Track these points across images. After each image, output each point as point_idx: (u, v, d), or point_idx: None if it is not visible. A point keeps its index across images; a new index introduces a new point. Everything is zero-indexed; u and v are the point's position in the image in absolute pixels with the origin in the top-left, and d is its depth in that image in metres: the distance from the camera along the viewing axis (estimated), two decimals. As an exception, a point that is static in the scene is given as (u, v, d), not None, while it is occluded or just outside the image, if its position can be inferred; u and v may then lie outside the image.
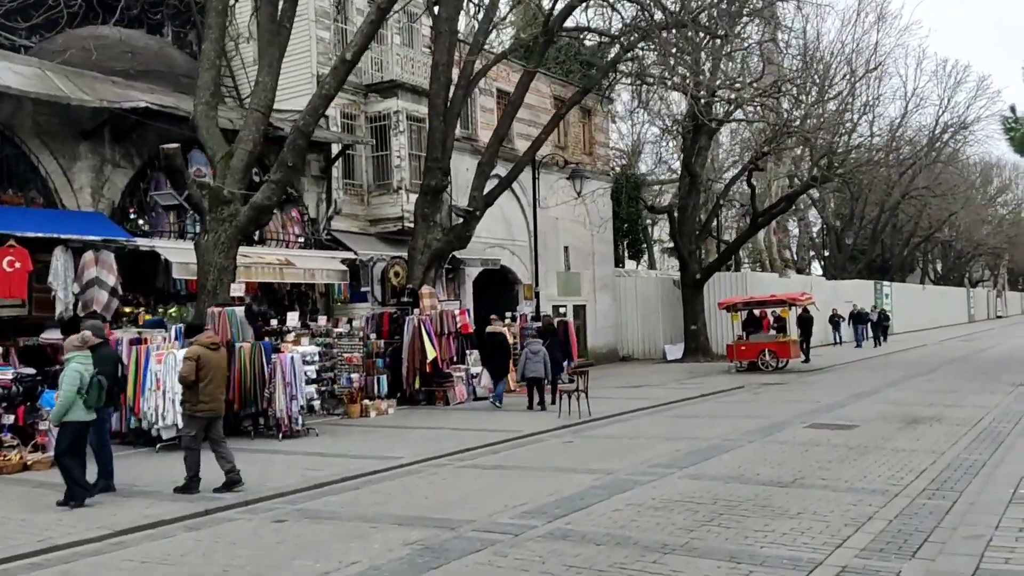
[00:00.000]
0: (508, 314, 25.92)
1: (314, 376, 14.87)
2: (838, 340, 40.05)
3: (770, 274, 41.49)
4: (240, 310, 15.21)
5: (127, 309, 17.02)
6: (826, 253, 59.97)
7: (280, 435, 14.24)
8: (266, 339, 15.45)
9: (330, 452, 12.82)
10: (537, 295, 27.04)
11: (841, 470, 10.37)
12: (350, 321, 21.12)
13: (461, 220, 21.23)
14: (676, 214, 35.29)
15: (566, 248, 33.69)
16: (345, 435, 14.80)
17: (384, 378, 18.86)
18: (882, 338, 40.91)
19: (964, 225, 66.25)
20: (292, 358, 14.26)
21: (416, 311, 19.99)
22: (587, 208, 34.36)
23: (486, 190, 22.31)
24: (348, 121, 24.15)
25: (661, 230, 52.66)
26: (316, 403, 14.93)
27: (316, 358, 14.99)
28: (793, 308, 29.46)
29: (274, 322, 16.48)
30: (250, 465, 10.79)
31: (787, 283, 38.27)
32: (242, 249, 19.55)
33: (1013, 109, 19.08)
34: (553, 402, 18.69)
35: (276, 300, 20.90)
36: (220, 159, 16.33)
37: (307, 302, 21.83)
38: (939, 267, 76.96)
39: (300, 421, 14.35)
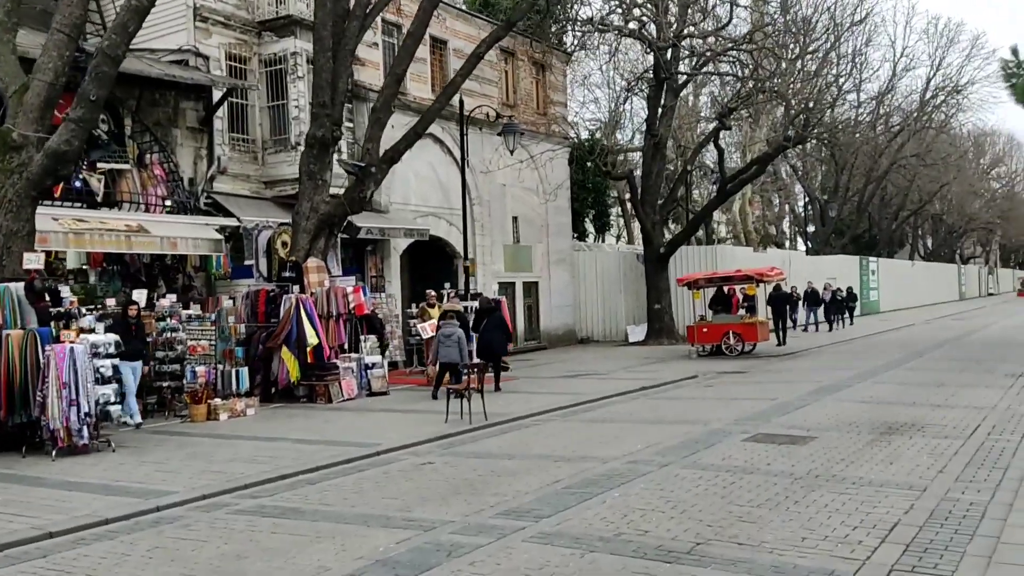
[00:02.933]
0: (445, 291, 22.58)
1: (109, 373, 11.39)
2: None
3: (744, 248, 38.05)
4: (18, 287, 11.72)
5: None
6: (811, 228, 56.60)
7: (54, 452, 10.80)
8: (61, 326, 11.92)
9: (87, 482, 9.39)
10: (466, 269, 23.53)
11: (768, 524, 7.01)
12: (232, 300, 17.78)
13: (355, 179, 17.64)
14: (640, 182, 31.78)
15: (515, 218, 30.20)
16: (150, 450, 11.37)
17: (244, 371, 15.41)
18: (844, 320, 37.11)
19: (956, 198, 62.97)
20: (72, 350, 10.80)
21: (296, 289, 16.54)
22: (540, 174, 30.90)
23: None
24: (238, 65, 20.53)
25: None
26: (115, 409, 11.44)
27: (111, 348, 11.50)
28: (762, 285, 26.09)
29: (73, 302, 12.85)
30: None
31: (763, 258, 34.81)
32: (81, 212, 16.14)
33: (1015, 51, 15.54)
34: (497, 387, 17.14)
35: (130, 276, 17.43)
36: (13, 94, 12.79)
37: (175, 278, 18.34)
38: (929, 243, 73.64)
39: (84, 433, 10.90)
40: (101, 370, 11.24)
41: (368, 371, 17.08)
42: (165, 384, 14.57)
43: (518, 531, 6.92)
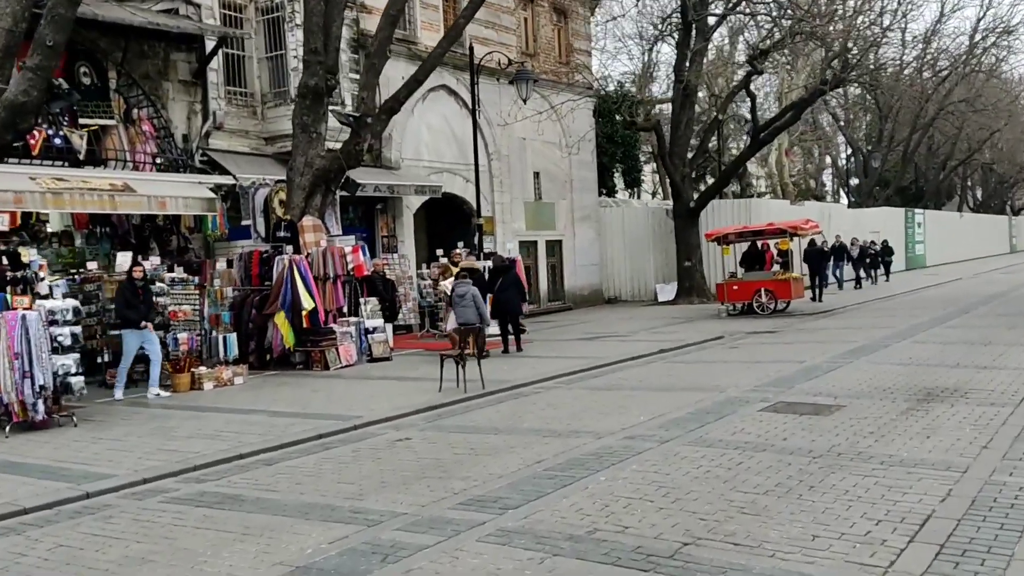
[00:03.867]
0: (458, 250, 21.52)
1: (68, 342, 10.51)
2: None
3: (780, 201, 36.35)
4: (-29, 251, 10.87)
5: None
6: (854, 181, 54.30)
7: (7, 428, 9.99)
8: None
9: (28, 463, 8.54)
10: (479, 227, 22.40)
11: (774, 518, 5.89)
12: (229, 263, 16.94)
13: (351, 131, 16.50)
14: (669, 133, 30.23)
15: (536, 174, 28.92)
16: (114, 425, 10.52)
17: (232, 338, 14.51)
18: (877, 276, 34.88)
19: (1007, 146, 59.94)
20: (24, 318, 9.92)
21: (290, 250, 15.55)
22: (562, 127, 29.50)
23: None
24: (233, 14, 19.42)
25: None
26: (76, 380, 10.58)
27: (69, 315, 10.61)
28: (796, 239, 24.62)
29: (42, 266, 11.92)
30: None
31: (800, 212, 33.06)
32: (61, 171, 15.23)
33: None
34: (519, 348, 16.95)
35: (119, 238, 16.60)
36: (-33, 42, 11.85)
37: (169, 240, 17.48)
38: (979, 193, 70.67)
39: (40, 408, 10.06)
40: (59, 339, 10.37)
41: (369, 336, 16.11)
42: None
43: (475, 527, 5.87)
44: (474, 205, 25.97)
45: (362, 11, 22.74)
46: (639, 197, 47.50)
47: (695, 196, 30.17)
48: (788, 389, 10.97)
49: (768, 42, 25.77)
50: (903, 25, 37.98)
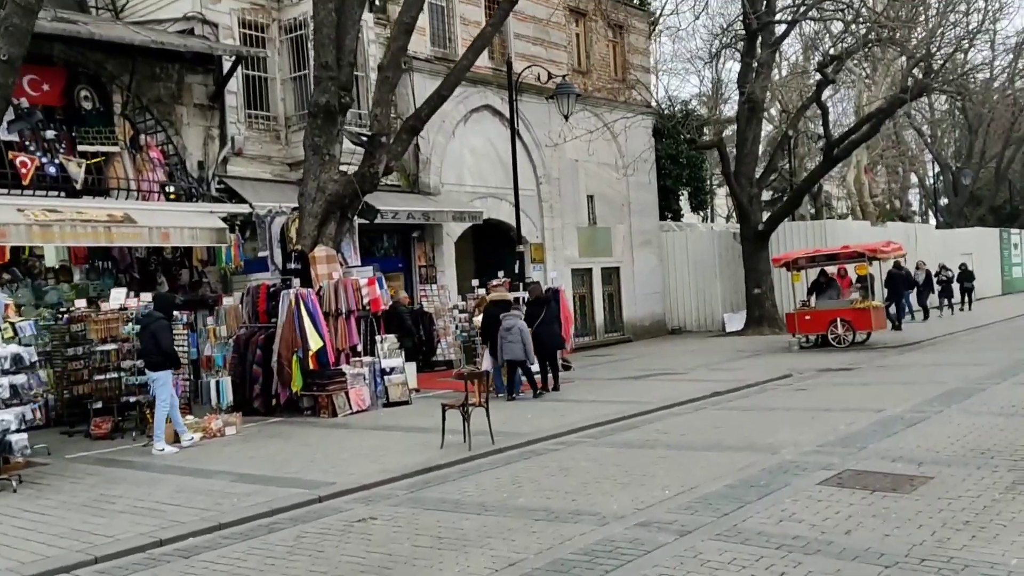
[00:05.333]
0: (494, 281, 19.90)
1: (6, 395, 9.14)
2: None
3: (860, 223, 33.64)
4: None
5: None
6: (944, 201, 50.71)
7: (-75, 495, 8.65)
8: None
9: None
10: (520, 255, 20.71)
11: None
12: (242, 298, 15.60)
13: (365, 152, 15.00)
14: (735, 150, 28.11)
15: (590, 197, 27.11)
16: (54, 491, 9.06)
17: (224, 382, 13.07)
18: (952, 306, 29.81)
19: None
20: (-51, 368, 8.60)
21: (296, 283, 14.09)
22: (618, 147, 27.72)
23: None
24: (255, 33, 18.28)
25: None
26: (17, 439, 9.16)
27: (8, 364, 9.24)
28: (876, 263, 22.20)
29: (7, 306, 10.67)
30: None
31: (881, 234, 30.39)
32: (55, 202, 14.15)
33: None
34: (556, 387, 15.43)
35: (123, 271, 15.44)
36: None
37: (179, 273, 16.27)
38: (1082, 211, 65.76)
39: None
40: (-3, 390, 9.02)
41: (385, 377, 14.49)
42: (133, 399, 12.37)
43: None
44: (523, 231, 24.53)
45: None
46: (712, 220, 45.22)
47: (764, 218, 27.92)
48: (859, 450, 8.89)
49: (840, 47, 23.47)
50: (992, 29, 35.09)
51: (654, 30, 34.89)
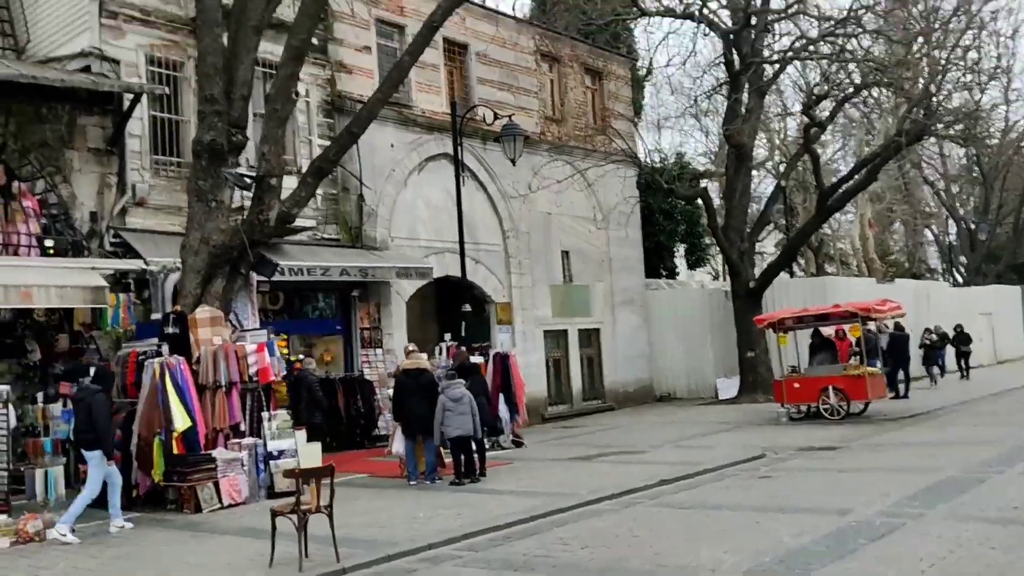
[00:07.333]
0: (476, 345, 17.87)
1: None
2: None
3: (864, 279, 31.22)
4: None
5: None
6: (963, 259, 48.04)
7: None
8: None
9: None
10: (464, 315, 18.55)
11: None
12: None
13: (253, 197, 13.00)
14: (721, 200, 26.04)
15: (565, 253, 24.97)
16: None
17: (54, 472, 10.90)
18: (933, 375, 25.48)
19: None
20: None
21: (166, 350, 11.97)
22: (597, 200, 25.71)
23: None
24: (166, 72, 16.46)
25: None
26: None
27: None
28: (874, 324, 19.84)
29: None
30: None
31: (887, 291, 27.83)
32: None
33: None
34: (482, 471, 12.95)
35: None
36: None
37: (55, 339, 14.22)
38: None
39: None
40: None
41: (272, 462, 12.23)
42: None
43: None
44: (486, 290, 22.44)
45: (340, 70, 19.75)
46: (717, 278, 42.87)
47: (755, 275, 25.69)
48: (799, 578, 6.53)
49: (825, 88, 21.44)
50: (1006, 78, 33.01)
51: (646, 78, 33.22)
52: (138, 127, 15.82)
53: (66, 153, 15.07)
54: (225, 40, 13.40)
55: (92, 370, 11.22)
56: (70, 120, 15.15)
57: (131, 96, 15.21)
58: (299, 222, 16.51)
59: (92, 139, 15.42)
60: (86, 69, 15.34)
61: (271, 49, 14.41)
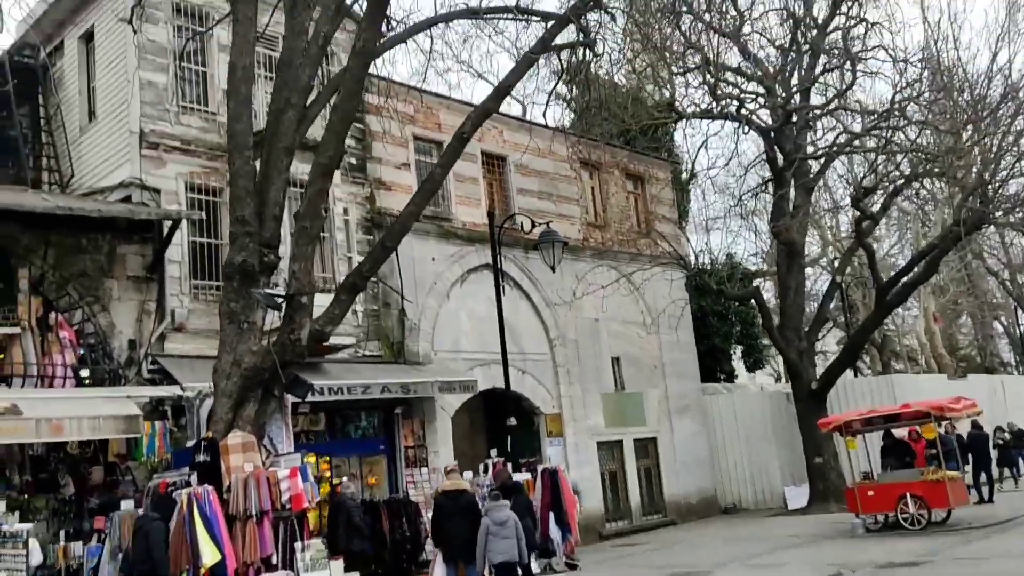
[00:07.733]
0: (524, 461, 17.25)
1: None
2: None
3: (934, 376, 29.71)
4: None
5: None
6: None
7: None
8: None
9: None
10: (509, 428, 17.84)
11: None
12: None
13: (284, 316, 12.70)
14: (777, 301, 25.22)
15: (615, 359, 24.22)
16: None
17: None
18: (1015, 476, 24.00)
19: None
20: None
21: (195, 479, 11.50)
22: (646, 305, 25.09)
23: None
24: (207, 198, 16.62)
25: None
26: None
27: None
28: (947, 424, 18.57)
29: None
30: None
31: (959, 388, 26.39)
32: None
33: None
34: None
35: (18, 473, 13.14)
36: None
37: (88, 472, 13.87)
38: None
39: None
40: None
41: (309, 596, 11.53)
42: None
43: None
44: (535, 401, 21.74)
45: (379, 187, 19.80)
46: (777, 380, 41.47)
47: (816, 376, 24.57)
48: None
49: (873, 178, 20.85)
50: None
51: (691, 181, 32.97)
52: (177, 253, 15.85)
53: (105, 282, 15.09)
54: (258, 164, 13.42)
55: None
56: (110, 250, 15.24)
57: (170, 223, 15.31)
58: (339, 340, 16.33)
59: (132, 267, 15.47)
60: (127, 199, 15.56)
61: (305, 169, 14.40)
